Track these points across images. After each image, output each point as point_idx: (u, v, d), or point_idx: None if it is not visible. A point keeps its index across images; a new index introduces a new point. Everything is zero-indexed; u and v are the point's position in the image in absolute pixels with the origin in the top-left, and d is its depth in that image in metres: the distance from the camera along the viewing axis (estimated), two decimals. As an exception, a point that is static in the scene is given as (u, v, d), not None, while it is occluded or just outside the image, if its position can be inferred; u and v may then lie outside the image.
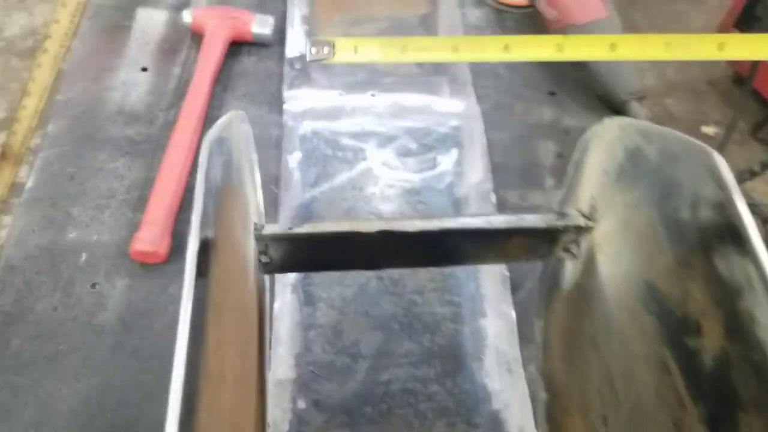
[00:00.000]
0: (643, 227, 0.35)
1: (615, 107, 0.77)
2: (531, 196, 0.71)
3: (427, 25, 0.84)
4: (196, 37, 0.80)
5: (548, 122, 0.77)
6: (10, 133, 1.00)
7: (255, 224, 0.42)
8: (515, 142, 0.75)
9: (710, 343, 0.29)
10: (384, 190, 0.70)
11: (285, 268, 0.45)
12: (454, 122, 0.75)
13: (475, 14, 0.87)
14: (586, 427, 0.40)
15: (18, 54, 1.80)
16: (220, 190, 0.34)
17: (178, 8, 0.83)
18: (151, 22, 0.82)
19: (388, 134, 0.74)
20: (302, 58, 0.79)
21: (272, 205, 0.68)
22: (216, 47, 0.77)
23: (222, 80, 0.77)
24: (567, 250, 0.43)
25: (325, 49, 0.44)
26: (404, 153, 0.72)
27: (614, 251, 0.39)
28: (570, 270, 0.45)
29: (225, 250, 0.35)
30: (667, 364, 0.32)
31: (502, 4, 0.87)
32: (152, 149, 0.71)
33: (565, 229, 0.41)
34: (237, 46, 0.80)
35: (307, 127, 0.74)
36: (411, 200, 0.69)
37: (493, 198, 0.69)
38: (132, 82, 0.77)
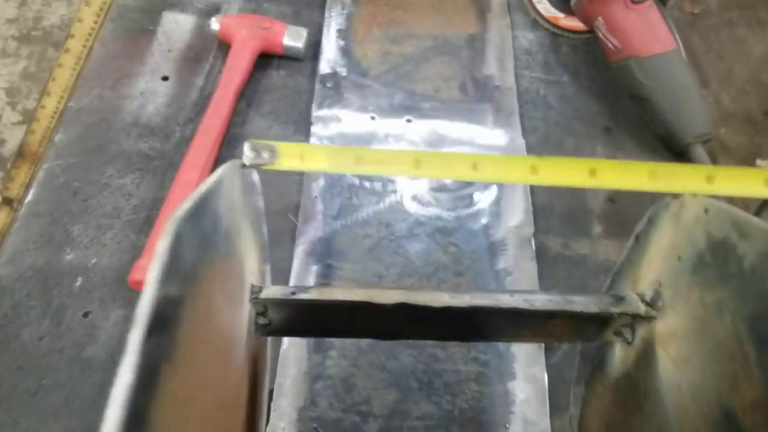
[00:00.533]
0: (726, 339, 0.28)
1: (676, 149, 0.69)
2: (575, 245, 0.63)
3: (474, 47, 0.77)
4: (224, 46, 0.75)
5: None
6: (29, 132, 0.96)
7: (252, 286, 0.36)
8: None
9: None
10: (413, 228, 0.63)
11: (287, 332, 0.38)
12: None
13: (528, 37, 0.79)
14: None
15: (54, 44, 1.78)
16: (197, 267, 0.28)
17: (208, 14, 0.78)
18: (176, 27, 0.77)
19: (422, 165, 0.67)
20: (335, 75, 0.73)
21: (289, 237, 0.62)
22: (243, 59, 0.72)
23: (247, 95, 0.72)
24: (619, 333, 0.36)
25: (266, 154, 0.37)
26: (438, 188, 0.66)
27: (681, 354, 0.31)
28: (620, 355, 0.38)
29: (202, 333, 0.28)
30: None
31: (559, 27, 0.80)
32: (165, 166, 0.66)
33: (621, 316, 0.34)
34: (266, 59, 0.75)
35: (333, 151, 0.67)
36: (442, 241, 0.62)
37: (533, 244, 0.62)
38: (151, 92, 0.71)
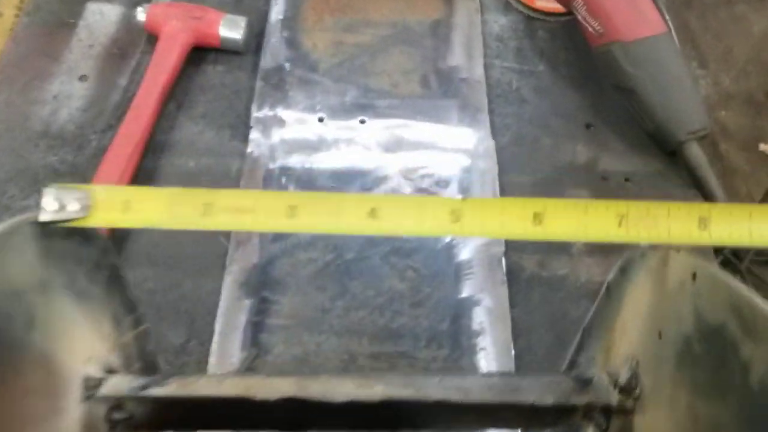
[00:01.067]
0: None
1: (668, 148, 0.60)
2: (553, 264, 0.54)
3: (438, 34, 0.68)
4: (153, 40, 0.65)
5: (582, 164, 0.60)
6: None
7: (87, 379, 0.27)
8: (538, 189, 0.59)
9: None
10: (364, 250, 0.54)
11: (157, 426, 0.29)
12: (461, 161, 0.59)
13: (500, 22, 0.70)
14: None
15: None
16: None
17: (137, 3, 0.68)
18: (100, 19, 0.68)
19: (378, 174, 0.58)
20: (280, 69, 0.64)
21: (219, 265, 0.53)
22: (172, 53, 0.63)
23: (177, 95, 0.63)
24: (591, 418, 0.28)
25: (74, 205, 0.27)
26: (394, 200, 0.57)
27: None
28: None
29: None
30: None
31: (534, 10, 0.70)
32: (77, 183, 0.56)
33: (587, 407, 0.25)
34: (201, 53, 0.65)
35: (275, 161, 0.58)
36: (398, 264, 0.53)
37: (504, 264, 0.53)
38: (65, 95, 0.62)
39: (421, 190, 0.57)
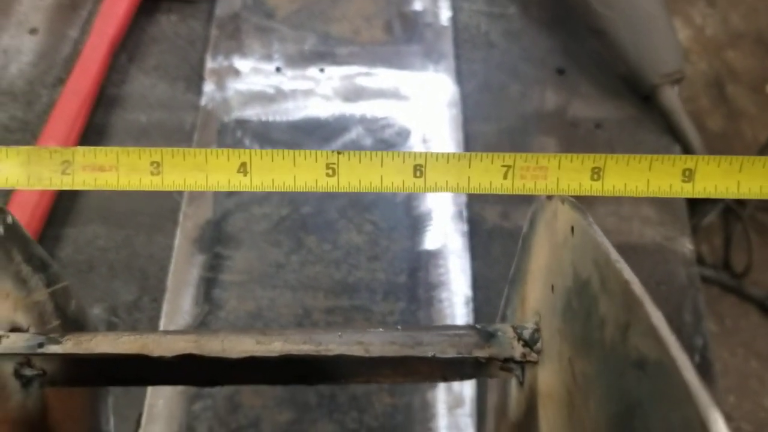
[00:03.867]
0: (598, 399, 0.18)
1: (642, 92, 0.58)
2: (515, 214, 0.53)
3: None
4: (105, -11, 0.62)
5: (551, 110, 0.58)
6: None
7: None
8: (504, 138, 0.56)
9: None
10: (322, 203, 0.52)
11: (69, 382, 0.28)
12: (424, 109, 0.56)
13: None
14: None
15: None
16: None
17: (89, -49, 0.65)
18: (50, -31, 0.65)
19: (336, 125, 0.56)
20: (236, 17, 0.61)
21: (171, 220, 0.51)
22: (121, 2, 0.60)
23: (129, 47, 0.60)
24: (507, 369, 0.26)
25: None
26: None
27: (552, 426, 0.22)
28: (515, 396, 0.28)
29: None
30: None
31: (504, -51, 0.67)
32: (27, 140, 0.55)
33: (489, 361, 0.24)
34: (154, 2, 0.62)
35: (230, 114, 0.56)
36: (356, 219, 0.52)
37: (465, 215, 0.52)
38: (15, 49, 0.60)
39: (382, 141, 0.55)
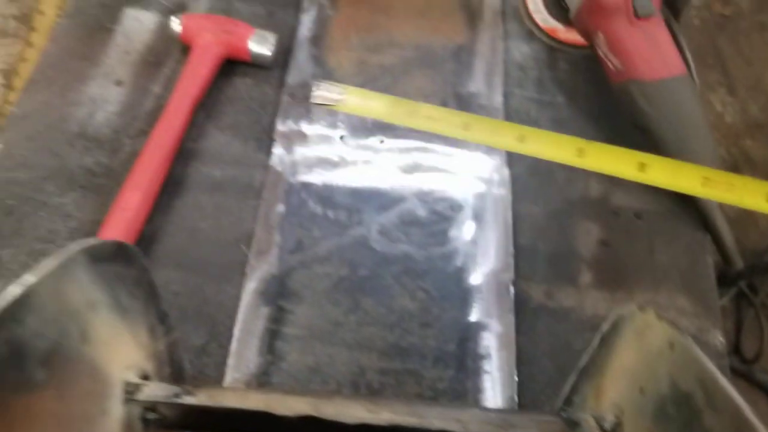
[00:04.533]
0: None
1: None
2: (560, 295, 0.57)
3: (460, 59, 0.70)
4: (187, 49, 0.68)
5: (594, 198, 0.62)
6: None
7: (127, 384, 0.29)
8: (549, 220, 0.61)
9: None
10: (378, 267, 0.56)
11: (184, 427, 0.32)
12: (476, 187, 0.61)
13: (522, 50, 0.72)
14: None
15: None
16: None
17: (174, 12, 0.71)
18: (138, 26, 0.70)
19: (393, 194, 0.60)
20: (305, 86, 0.66)
21: (239, 272, 0.56)
22: (204, 65, 0.65)
23: (207, 105, 0.65)
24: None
25: (335, 96, 0.49)
26: (410, 221, 0.59)
27: None
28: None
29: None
30: None
31: (557, 41, 0.72)
32: (110, 185, 0.59)
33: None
34: (232, 65, 0.68)
35: (296, 176, 0.61)
36: (410, 285, 0.56)
37: (512, 292, 0.56)
38: (102, 99, 0.65)
39: (434, 213, 0.60)
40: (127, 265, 0.31)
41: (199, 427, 0.32)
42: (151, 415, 0.31)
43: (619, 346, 0.29)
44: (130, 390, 0.30)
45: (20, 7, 1.77)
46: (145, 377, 0.31)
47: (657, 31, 0.64)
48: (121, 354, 0.30)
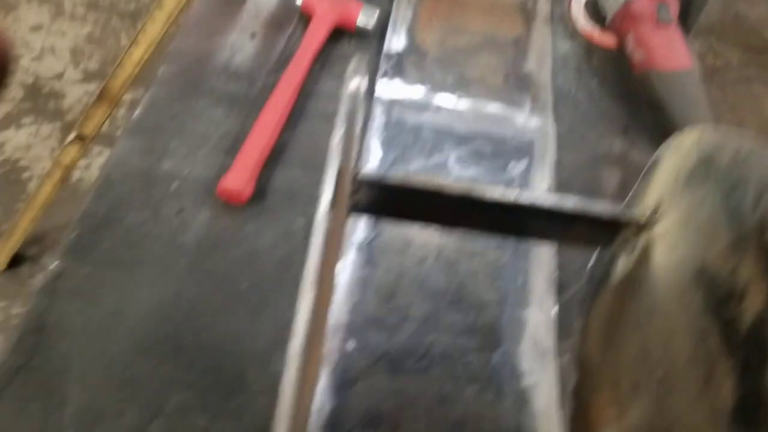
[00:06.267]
0: (704, 218, 0.39)
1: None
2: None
3: (518, 47, 0.89)
4: (303, 18, 0.86)
5: (617, 154, 0.81)
6: (111, 77, 1.08)
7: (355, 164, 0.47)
8: (582, 166, 0.79)
9: (751, 306, 0.33)
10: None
11: (371, 210, 0.49)
12: (530, 136, 0.79)
13: (565, 46, 0.91)
14: (616, 396, 0.44)
15: (119, 15, 1.91)
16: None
17: (294, -10, 0.90)
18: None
19: (467, 135, 0.79)
20: (398, 55, 0.85)
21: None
22: (321, 30, 0.84)
23: (321, 59, 0.83)
24: (624, 243, 0.47)
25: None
26: (479, 154, 0.77)
27: (671, 243, 0.42)
28: (622, 264, 0.49)
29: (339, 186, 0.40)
30: (706, 328, 0.36)
31: (593, 42, 0.92)
32: (249, 107, 0.77)
33: (628, 223, 0.45)
34: (339, 32, 0.86)
35: (393, 114, 0.79)
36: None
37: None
38: (239, 46, 0.83)
39: (497, 151, 0.78)
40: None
41: (380, 210, 0.49)
42: (354, 198, 0.48)
43: (660, 166, 0.46)
44: (356, 169, 0.47)
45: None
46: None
47: (674, 34, 0.84)
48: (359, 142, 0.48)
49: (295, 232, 0.69)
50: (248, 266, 0.65)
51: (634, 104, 0.86)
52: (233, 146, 0.73)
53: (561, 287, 0.67)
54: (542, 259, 0.70)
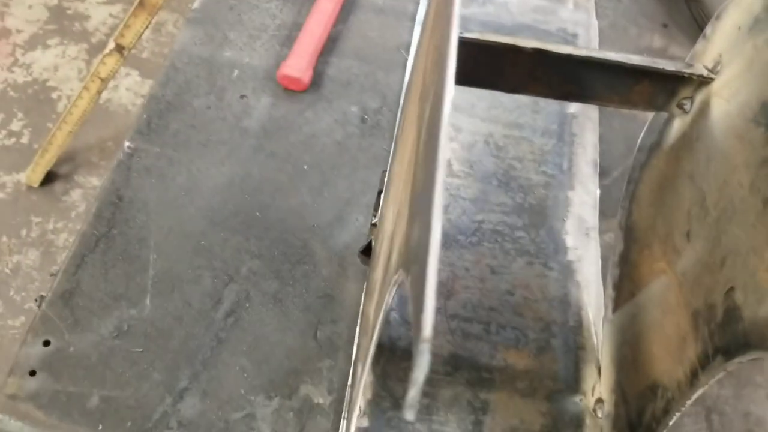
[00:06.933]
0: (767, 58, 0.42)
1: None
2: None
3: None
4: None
5: (657, 48, 0.83)
6: (154, -15, 1.09)
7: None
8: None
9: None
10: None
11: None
12: (574, 29, 0.82)
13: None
14: (664, 251, 0.48)
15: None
16: None
17: None
18: None
19: (513, 28, 0.81)
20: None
21: (401, 66, 0.76)
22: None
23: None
24: (681, 105, 0.50)
25: None
26: (523, 47, 0.79)
27: (732, 91, 0.45)
28: (677, 126, 0.52)
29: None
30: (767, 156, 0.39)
31: None
32: (301, 0, 0.79)
33: (690, 77, 0.48)
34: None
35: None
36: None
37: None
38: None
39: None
40: None
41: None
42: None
43: (721, 20, 0.48)
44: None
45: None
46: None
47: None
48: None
49: (350, 119, 0.72)
50: (308, 148, 0.69)
51: (673, 3, 0.87)
52: (289, 37, 0.76)
53: (603, 173, 0.70)
54: (586, 144, 0.73)
